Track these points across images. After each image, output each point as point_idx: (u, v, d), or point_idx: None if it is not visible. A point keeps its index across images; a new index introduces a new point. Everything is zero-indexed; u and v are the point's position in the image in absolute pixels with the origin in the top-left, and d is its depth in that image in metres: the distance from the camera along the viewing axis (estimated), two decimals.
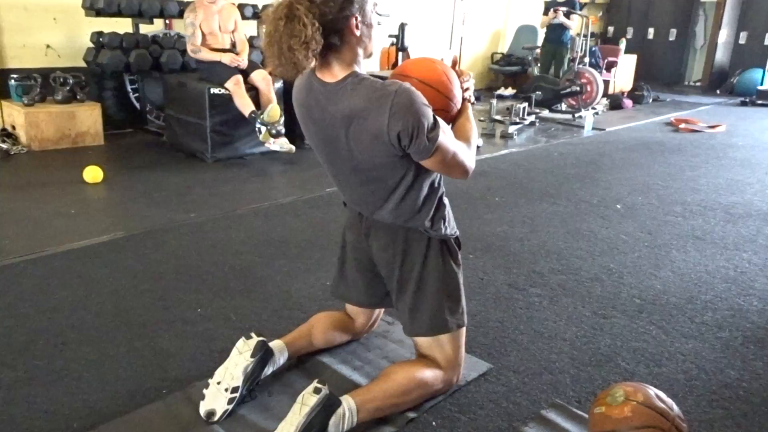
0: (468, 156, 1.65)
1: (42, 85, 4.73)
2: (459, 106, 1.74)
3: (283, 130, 4.38)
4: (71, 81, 4.80)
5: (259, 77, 4.52)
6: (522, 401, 1.83)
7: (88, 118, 4.82)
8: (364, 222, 1.79)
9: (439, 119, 1.55)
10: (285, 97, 4.70)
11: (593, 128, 6.47)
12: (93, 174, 3.82)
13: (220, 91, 4.40)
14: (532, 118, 6.42)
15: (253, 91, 4.52)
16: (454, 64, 1.78)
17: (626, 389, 1.55)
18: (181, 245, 2.89)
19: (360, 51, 1.56)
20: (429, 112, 1.50)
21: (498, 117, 5.99)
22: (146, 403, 1.75)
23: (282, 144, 4.41)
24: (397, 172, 1.61)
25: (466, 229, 3.29)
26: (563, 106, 7.11)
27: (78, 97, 4.86)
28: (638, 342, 2.19)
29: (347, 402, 1.61)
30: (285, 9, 1.44)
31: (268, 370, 1.83)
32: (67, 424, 1.67)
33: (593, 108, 7.12)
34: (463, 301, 1.81)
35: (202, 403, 1.70)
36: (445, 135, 1.56)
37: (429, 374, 1.74)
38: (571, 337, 2.22)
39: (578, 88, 6.76)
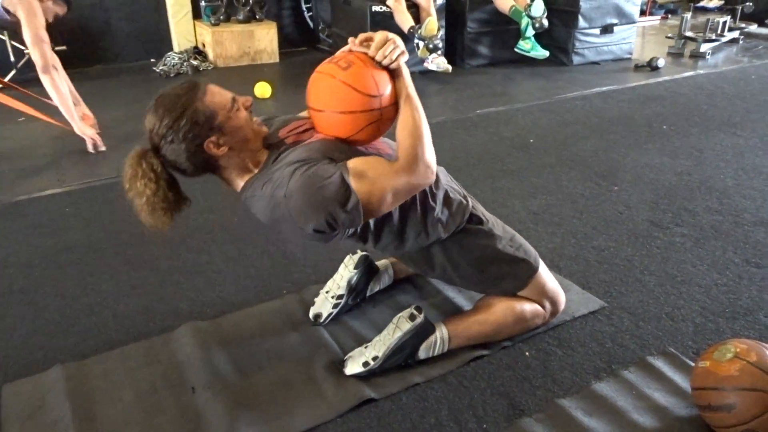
0: (414, 169, 1.39)
1: (227, 5, 5.14)
2: (389, 97, 1.42)
3: (440, 45, 4.32)
4: (251, 0, 5.14)
5: None
6: (629, 344, 1.73)
7: (265, 37, 5.16)
8: None
9: (355, 167, 1.36)
10: (446, 12, 4.62)
11: None
12: (262, 90, 4.13)
13: (381, 8, 4.43)
14: (735, 34, 5.56)
15: (414, 9, 4.47)
16: (364, 40, 1.44)
17: (739, 346, 1.39)
18: None
19: (241, 156, 1.41)
20: (331, 190, 1.31)
21: (690, 33, 5.27)
22: (267, 300, 1.96)
23: (439, 64, 4.35)
24: (351, 232, 1.50)
25: (619, 158, 3.05)
26: None
27: (257, 16, 5.20)
28: None
29: (441, 331, 1.65)
30: (129, 169, 1.35)
31: (375, 287, 1.93)
32: (202, 309, 1.93)
33: None
34: (520, 253, 1.67)
35: (312, 307, 1.86)
36: (369, 183, 1.34)
37: (528, 308, 1.71)
38: (709, 284, 2.00)
39: None
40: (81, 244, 2.33)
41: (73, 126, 3.13)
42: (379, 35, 1.42)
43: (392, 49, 1.40)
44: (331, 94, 1.41)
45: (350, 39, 1.46)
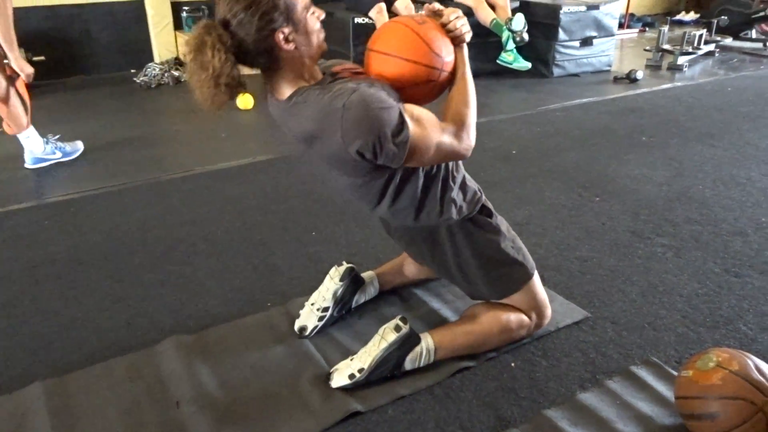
0: (460, 135, 1.46)
1: (208, 15, 5.12)
2: (449, 64, 1.49)
3: None
4: None
5: (402, 6, 4.46)
6: (613, 354, 1.75)
7: None
8: (380, 220, 1.75)
9: (410, 109, 1.38)
10: None
11: None
12: (244, 101, 4.12)
13: (363, 20, 4.45)
14: (711, 47, 5.67)
15: None
16: (432, 10, 1.52)
17: (721, 355, 1.41)
18: (310, 172, 3.05)
19: (302, 61, 1.40)
20: (389, 115, 1.32)
21: (667, 46, 5.37)
22: (252, 312, 1.94)
23: None
24: (378, 177, 1.50)
25: (600, 168, 3.09)
26: (753, 33, 6.18)
27: None
28: None
29: (426, 341, 1.65)
30: (195, 39, 1.31)
31: (360, 299, 1.92)
32: (186, 322, 1.91)
33: None
34: (519, 257, 1.69)
35: (297, 320, 1.85)
36: (421, 127, 1.38)
37: (514, 318, 1.71)
38: (690, 293, 2.03)
39: None
40: (61, 257, 2.30)
41: (9, 57, 2.94)
42: (450, 9, 1.51)
43: (462, 23, 1.49)
44: (401, 39, 1.46)
45: (425, 6, 1.54)
